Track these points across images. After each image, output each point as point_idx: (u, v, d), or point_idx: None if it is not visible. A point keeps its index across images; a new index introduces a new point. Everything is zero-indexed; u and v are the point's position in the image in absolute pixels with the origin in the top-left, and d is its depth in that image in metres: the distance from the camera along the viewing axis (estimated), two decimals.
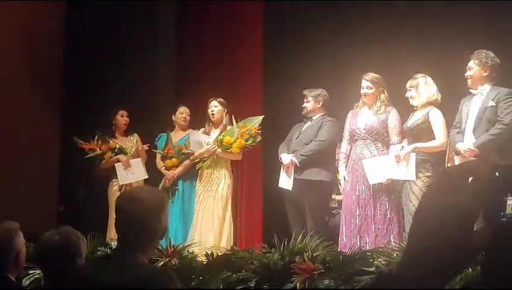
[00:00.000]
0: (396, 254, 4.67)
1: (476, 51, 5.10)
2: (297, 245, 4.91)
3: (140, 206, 2.25)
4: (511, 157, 4.77)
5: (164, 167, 6.61)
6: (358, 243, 5.38)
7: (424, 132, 5.33)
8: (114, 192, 6.44)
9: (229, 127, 6.32)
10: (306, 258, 4.68)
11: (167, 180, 6.50)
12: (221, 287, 4.78)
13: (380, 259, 4.71)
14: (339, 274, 4.59)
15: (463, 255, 0.90)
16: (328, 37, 7.30)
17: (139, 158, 6.62)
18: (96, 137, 6.65)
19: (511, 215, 0.91)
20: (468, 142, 5.01)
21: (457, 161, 5.07)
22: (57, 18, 7.54)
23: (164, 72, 7.91)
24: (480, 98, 5.08)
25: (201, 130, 6.45)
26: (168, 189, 6.40)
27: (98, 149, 6.61)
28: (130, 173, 6.51)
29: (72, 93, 7.48)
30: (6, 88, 6.78)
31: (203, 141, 6.27)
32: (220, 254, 5.28)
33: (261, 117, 6.36)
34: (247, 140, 6.23)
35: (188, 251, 5.33)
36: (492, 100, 4.98)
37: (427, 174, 5.23)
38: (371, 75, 5.66)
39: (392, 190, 5.48)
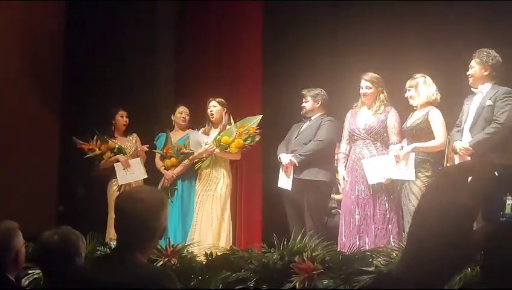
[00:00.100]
0: (396, 254, 4.67)
1: (478, 50, 5.10)
2: (297, 245, 4.91)
3: (139, 206, 2.25)
4: (510, 156, 4.78)
5: (163, 167, 6.61)
6: (357, 243, 5.38)
7: (423, 131, 5.33)
8: (113, 192, 6.44)
9: (228, 127, 6.32)
10: (305, 258, 4.68)
11: (166, 180, 6.50)
12: (220, 287, 4.78)
13: (379, 259, 4.71)
14: (338, 274, 4.59)
15: (462, 255, 0.90)
16: (327, 37, 7.30)
17: (138, 158, 6.62)
18: (95, 137, 6.65)
19: (510, 214, 0.91)
20: (464, 141, 5.02)
21: (457, 160, 5.07)
22: (57, 18, 7.54)
23: (163, 72, 7.91)
24: (480, 97, 5.08)
25: (201, 130, 6.46)
26: (167, 189, 6.40)
27: (97, 149, 6.61)
28: (129, 173, 6.51)
29: (72, 93, 7.48)
30: (6, 88, 6.78)
31: (202, 141, 6.28)
32: (219, 253, 5.28)
33: (259, 117, 6.36)
34: (245, 140, 6.23)
35: (187, 251, 5.33)
36: (490, 99, 4.98)
37: (426, 174, 5.23)
38: (370, 75, 5.65)
39: (392, 189, 5.48)
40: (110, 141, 6.64)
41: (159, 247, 5.01)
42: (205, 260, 5.15)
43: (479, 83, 5.10)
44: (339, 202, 6.27)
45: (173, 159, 6.56)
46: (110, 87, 7.31)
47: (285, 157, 5.90)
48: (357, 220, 5.49)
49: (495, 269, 0.95)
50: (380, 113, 5.61)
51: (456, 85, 5.63)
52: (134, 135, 6.88)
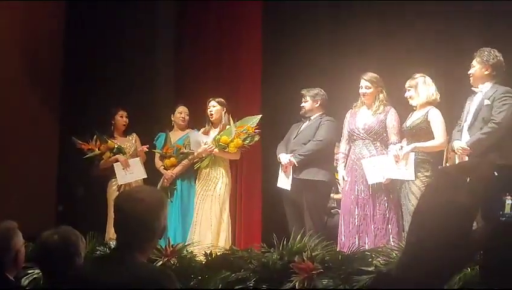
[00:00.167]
0: (395, 254, 4.67)
1: (479, 49, 5.10)
2: (296, 245, 4.91)
3: (139, 205, 2.24)
4: (508, 156, 4.78)
5: (163, 167, 6.61)
6: (357, 242, 5.38)
7: (423, 131, 5.33)
8: (113, 192, 6.44)
9: (227, 127, 6.32)
10: (305, 258, 4.68)
11: (166, 180, 6.50)
12: (220, 286, 4.78)
13: (379, 259, 4.71)
14: (338, 274, 4.59)
15: (462, 254, 0.90)
16: (327, 37, 7.30)
17: (138, 158, 6.62)
18: (94, 137, 6.65)
19: (510, 214, 0.91)
20: (463, 141, 5.02)
21: (457, 160, 5.07)
22: (57, 18, 7.53)
23: (163, 72, 7.90)
24: (480, 96, 5.08)
25: (202, 130, 6.46)
26: (167, 189, 6.40)
27: (97, 149, 6.61)
28: (129, 173, 6.51)
29: (72, 93, 7.47)
30: (6, 88, 6.78)
31: (202, 140, 6.28)
32: (219, 253, 5.28)
33: (258, 116, 6.37)
34: (245, 139, 6.23)
35: (187, 251, 5.33)
36: (488, 99, 4.98)
37: (426, 174, 5.22)
38: (369, 74, 5.65)
39: (391, 189, 5.48)
40: (109, 141, 6.64)
41: (159, 247, 5.01)
42: (205, 260, 5.15)
43: (479, 82, 5.10)
44: (338, 201, 6.27)
45: (172, 159, 6.57)
46: (110, 87, 7.31)
47: (284, 157, 5.90)
48: (356, 220, 5.49)
49: (494, 268, 0.95)
50: (380, 113, 5.61)
51: (456, 85, 5.63)
52: (134, 135, 6.88)
